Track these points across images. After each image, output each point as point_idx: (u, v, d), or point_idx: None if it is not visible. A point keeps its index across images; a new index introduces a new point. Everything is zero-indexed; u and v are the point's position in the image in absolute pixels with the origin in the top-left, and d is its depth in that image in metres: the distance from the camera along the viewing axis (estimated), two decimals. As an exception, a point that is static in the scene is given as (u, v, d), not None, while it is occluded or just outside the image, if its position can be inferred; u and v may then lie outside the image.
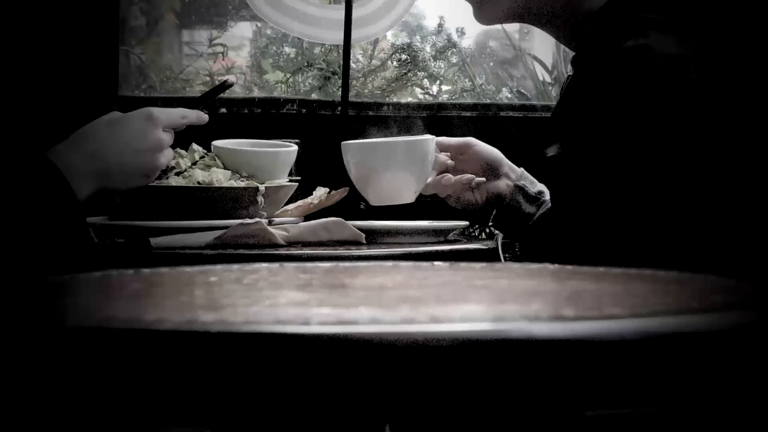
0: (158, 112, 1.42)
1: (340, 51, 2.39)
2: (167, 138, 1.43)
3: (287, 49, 2.69)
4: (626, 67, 1.26)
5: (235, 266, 0.92)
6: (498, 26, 2.60)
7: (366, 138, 1.64)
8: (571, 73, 1.44)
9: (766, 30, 1.36)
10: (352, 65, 2.46)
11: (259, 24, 2.74)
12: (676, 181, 1.23)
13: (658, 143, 1.24)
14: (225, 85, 1.58)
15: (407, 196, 1.57)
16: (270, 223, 1.48)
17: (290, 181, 1.63)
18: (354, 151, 1.58)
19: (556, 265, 0.92)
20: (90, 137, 1.37)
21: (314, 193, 1.64)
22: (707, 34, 1.32)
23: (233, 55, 2.74)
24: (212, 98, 1.59)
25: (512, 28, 2.71)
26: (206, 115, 1.49)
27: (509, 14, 1.47)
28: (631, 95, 1.25)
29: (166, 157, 1.43)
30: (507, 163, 1.63)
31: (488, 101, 2.60)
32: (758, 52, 1.35)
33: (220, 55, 2.69)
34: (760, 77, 1.32)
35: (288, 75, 2.62)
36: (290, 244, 1.46)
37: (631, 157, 1.24)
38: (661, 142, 1.24)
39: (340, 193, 1.63)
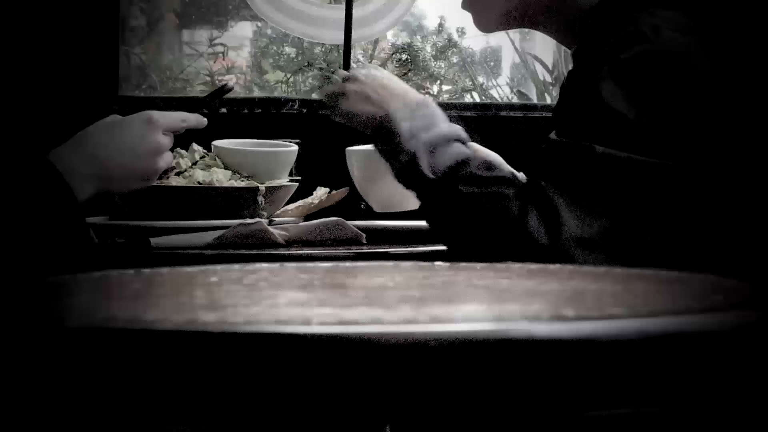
0: (158, 115, 1.42)
1: (340, 51, 2.38)
2: (167, 141, 1.43)
3: (287, 49, 2.68)
4: (627, 57, 1.26)
5: (236, 266, 0.92)
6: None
7: (368, 141, 1.64)
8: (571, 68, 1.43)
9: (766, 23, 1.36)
10: (352, 65, 2.45)
11: (259, 24, 2.74)
12: (676, 180, 1.23)
13: (657, 141, 1.23)
14: (225, 89, 1.58)
15: (411, 203, 1.57)
16: (270, 223, 1.48)
17: (290, 181, 1.63)
18: (358, 157, 1.57)
19: (557, 265, 0.92)
20: (90, 140, 1.37)
21: (314, 193, 1.64)
22: (711, 20, 1.31)
23: (233, 55, 2.74)
24: (212, 102, 1.59)
25: (512, 28, 2.70)
26: (206, 119, 1.49)
27: (507, 20, 1.47)
28: (633, 85, 1.25)
29: (166, 160, 1.43)
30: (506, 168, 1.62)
31: (488, 101, 2.60)
32: (758, 46, 1.34)
33: (220, 55, 2.69)
34: (759, 75, 1.32)
35: (288, 75, 2.62)
36: (290, 244, 1.46)
37: (630, 156, 1.23)
38: (661, 140, 1.23)
39: (341, 193, 1.62)
